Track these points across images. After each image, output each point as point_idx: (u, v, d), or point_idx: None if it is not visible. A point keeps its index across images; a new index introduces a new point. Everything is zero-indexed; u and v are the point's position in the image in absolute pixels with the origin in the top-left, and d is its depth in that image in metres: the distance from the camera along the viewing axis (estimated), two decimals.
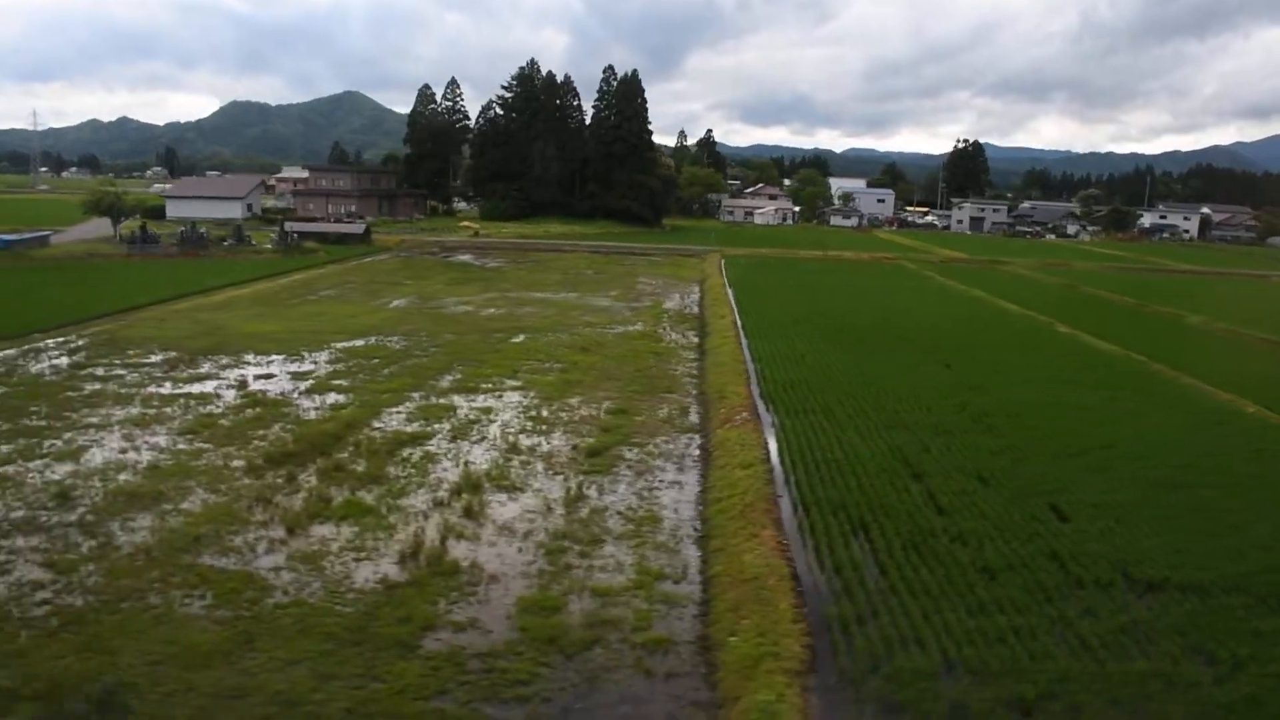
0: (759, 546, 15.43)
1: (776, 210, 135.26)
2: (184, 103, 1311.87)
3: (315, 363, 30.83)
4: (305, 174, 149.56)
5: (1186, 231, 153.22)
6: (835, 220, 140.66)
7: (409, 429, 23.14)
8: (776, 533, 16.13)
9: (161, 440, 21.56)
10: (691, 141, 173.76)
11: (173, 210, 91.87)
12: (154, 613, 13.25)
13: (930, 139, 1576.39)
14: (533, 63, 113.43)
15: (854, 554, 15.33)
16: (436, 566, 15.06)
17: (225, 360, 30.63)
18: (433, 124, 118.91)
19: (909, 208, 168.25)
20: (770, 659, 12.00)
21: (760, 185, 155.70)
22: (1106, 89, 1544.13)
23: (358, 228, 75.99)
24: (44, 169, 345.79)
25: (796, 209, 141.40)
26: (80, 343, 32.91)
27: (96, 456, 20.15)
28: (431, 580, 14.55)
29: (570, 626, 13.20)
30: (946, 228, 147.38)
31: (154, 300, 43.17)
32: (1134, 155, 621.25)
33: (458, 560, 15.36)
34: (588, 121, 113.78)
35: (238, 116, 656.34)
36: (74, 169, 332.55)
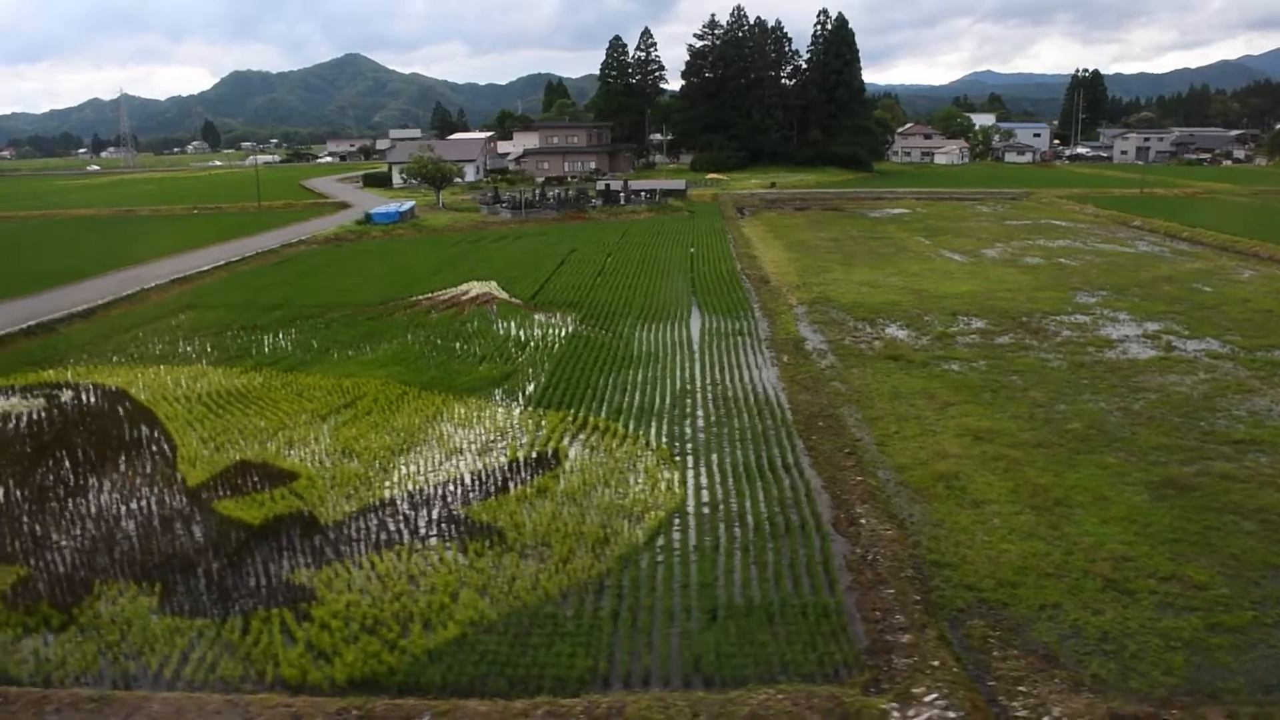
0: None
1: (959, 149, 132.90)
2: (179, 76, 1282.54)
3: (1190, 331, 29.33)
4: (419, 136, 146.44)
5: None
6: (1009, 157, 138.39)
7: None
8: None
9: None
10: None
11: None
12: None
13: (929, 69, 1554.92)
14: (738, 9, 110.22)
15: None
16: None
17: (1074, 323, 29.34)
18: (628, 78, 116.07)
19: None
20: None
21: (910, 125, 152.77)
22: (1110, 6, 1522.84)
23: (679, 184, 74.68)
24: (82, 150, 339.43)
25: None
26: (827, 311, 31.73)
27: None
28: None
29: None
30: (1109, 158, 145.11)
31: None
32: (1142, 75, 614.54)
33: None
34: (803, 67, 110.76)
35: (239, 87, 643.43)
36: (112, 149, 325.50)
